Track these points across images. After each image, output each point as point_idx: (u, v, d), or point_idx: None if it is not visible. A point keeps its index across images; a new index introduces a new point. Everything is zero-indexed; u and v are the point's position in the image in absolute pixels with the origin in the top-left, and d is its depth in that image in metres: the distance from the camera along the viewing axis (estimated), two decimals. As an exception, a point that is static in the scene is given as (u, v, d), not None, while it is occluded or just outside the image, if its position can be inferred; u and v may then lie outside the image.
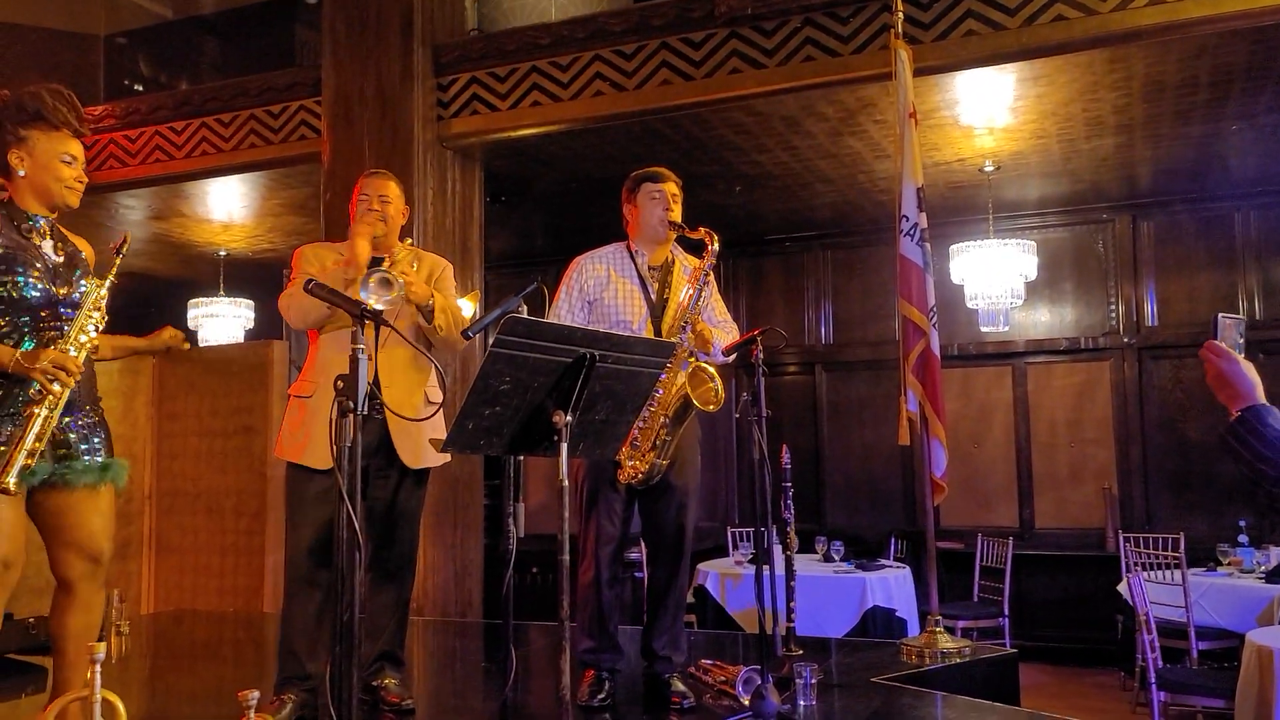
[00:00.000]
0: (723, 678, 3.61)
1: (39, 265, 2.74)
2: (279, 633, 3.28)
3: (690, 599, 6.72)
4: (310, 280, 2.51)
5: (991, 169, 6.45)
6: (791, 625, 3.95)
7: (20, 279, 2.69)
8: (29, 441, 2.54)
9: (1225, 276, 7.32)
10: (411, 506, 3.44)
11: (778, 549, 6.55)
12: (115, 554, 7.85)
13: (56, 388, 2.59)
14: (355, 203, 3.45)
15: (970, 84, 5.14)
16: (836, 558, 6.57)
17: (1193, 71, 4.96)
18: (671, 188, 3.55)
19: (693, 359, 3.35)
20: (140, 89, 7.71)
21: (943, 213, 7.57)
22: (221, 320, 8.68)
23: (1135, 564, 5.79)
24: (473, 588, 5.88)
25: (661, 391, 3.33)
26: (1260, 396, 1.82)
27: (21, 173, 2.78)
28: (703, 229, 3.39)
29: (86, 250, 2.98)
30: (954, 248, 6.76)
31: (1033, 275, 6.73)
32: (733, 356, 3.44)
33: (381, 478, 3.35)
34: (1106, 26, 4.55)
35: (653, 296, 3.49)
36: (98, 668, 1.91)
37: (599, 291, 3.47)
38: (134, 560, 7.59)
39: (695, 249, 3.53)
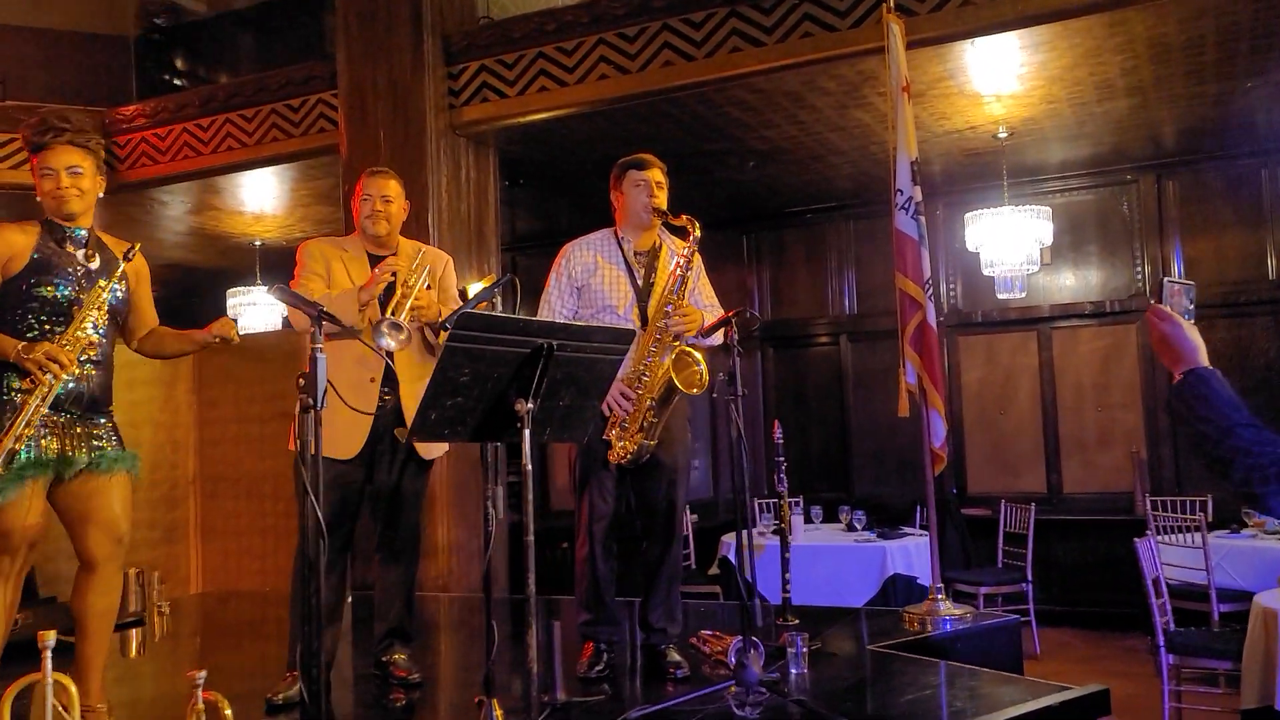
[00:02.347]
0: (719, 648, 3.72)
1: (71, 270, 3.01)
2: (290, 612, 3.46)
3: (715, 570, 6.86)
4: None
5: (1005, 135, 6.42)
6: (787, 595, 4.04)
7: (56, 281, 2.98)
8: (19, 428, 2.77)
9: (1253, 234, 7.20)
10: (415, 490, 3.59)
11: (798, 518, 6.69)
12: (163, 538, 8.17)
13: (49, 378, 2.81)
14: (358, 201, 3.58)
15: (972, 53, 5.13)
16: (859, 527, 6.64)
17: (1197, 32, 4.91)
18: (656, 175, 3.63)
19: (677, 343, 3.44)
20: (183, 84, 7.93)
21: (961, 180, 7.55)
22: (259, 309, 8.93)
23: (1163, 527, 5.80)
24: (499, 566, 6.05)
25: (648, 375, 3.44)
26: (1202, 360, 1.86)
27: (37, 197, 3.08)
28: (685, 216, 3.47)
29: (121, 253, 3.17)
30: (969, 215, 6.75)
31: (1049, 241, 6.70)
32: (714, 339, 3.53)
33: (386, 462, 3.51)
34: (1102, -9, 4.52)
35: (639, 281, 3.58)
36: (48, 654, 2.07)
37: (587, 277, 3.58)
38: (181, 544, 7.90)
39: (685, 234, 3.60)
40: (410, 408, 3.35)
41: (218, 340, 3.21)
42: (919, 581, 6.10)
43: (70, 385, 2.92)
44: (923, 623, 4.15)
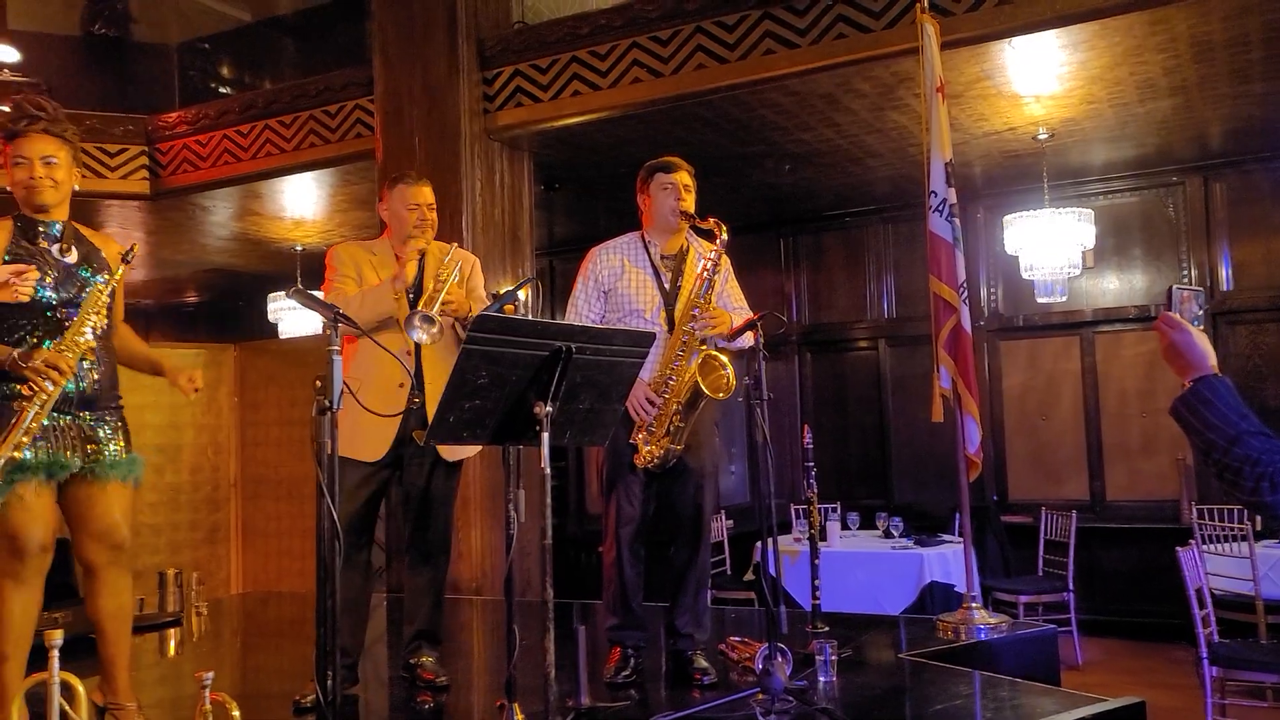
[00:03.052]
0: (747, 654, 3.69)
1: (47, 270, 2.92)
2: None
3: (750, 576, 6.82)
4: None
5: (1045, 136, 6.31)
6: (817, 602, 4.00)
7: (34, 282, 2.87)
8: (17, 436, 2.71)
9: (1304, 237, 7.02)
10: (445, 492, 3.60)
11: (834, 525, 6.63)
12: (205, 539, 8.27)
13: (49, 386, 2.75)
14: (398, 209, 3.58)
15: (1010, 54, 5.05)
16: (896, 534, 6.56)
17: (1241, 29, 4.79)
18: (683, 178, 3.61)
19: (704, 347, 3.42)
20: (227, 91, 8.06)
21: (1001, 183, 7.45)
22: (299, 313, 9.03)
23: (1209, 536, 5.66)
24: (532, 568, 6.04)
25: (674, 379, 3.42)
26: (1211, 367, 1.83)
27: (7, 187, 2.97)
28: (711, 219, 3.45)
29: (108, 248, 3.12)
30: (1008, 218, 6.65)
31: (1091, 244, 6.58)
32: (741, 342, 3.49)
33: (416, 465, 3.53)
34: (1143, -12, 4.43)
35: (666, 285, 3.57)
36: (55, 653, 2.09)
37: (613, 281, 3.57)
38: (222, 545, 8.00)
39: (712, 238, 3.58)
40: (433, 411, 3.36)
41: (180, 383, 3.14)
42: (957, 590, 6.01)
43: (68, 386, 2.86)
44: (957, 631, 4.09)
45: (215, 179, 6.97)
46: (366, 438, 3.39)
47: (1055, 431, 7.65)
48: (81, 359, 2.90)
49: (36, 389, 2.75)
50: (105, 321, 2.99)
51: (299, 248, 8.87)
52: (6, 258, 2.87)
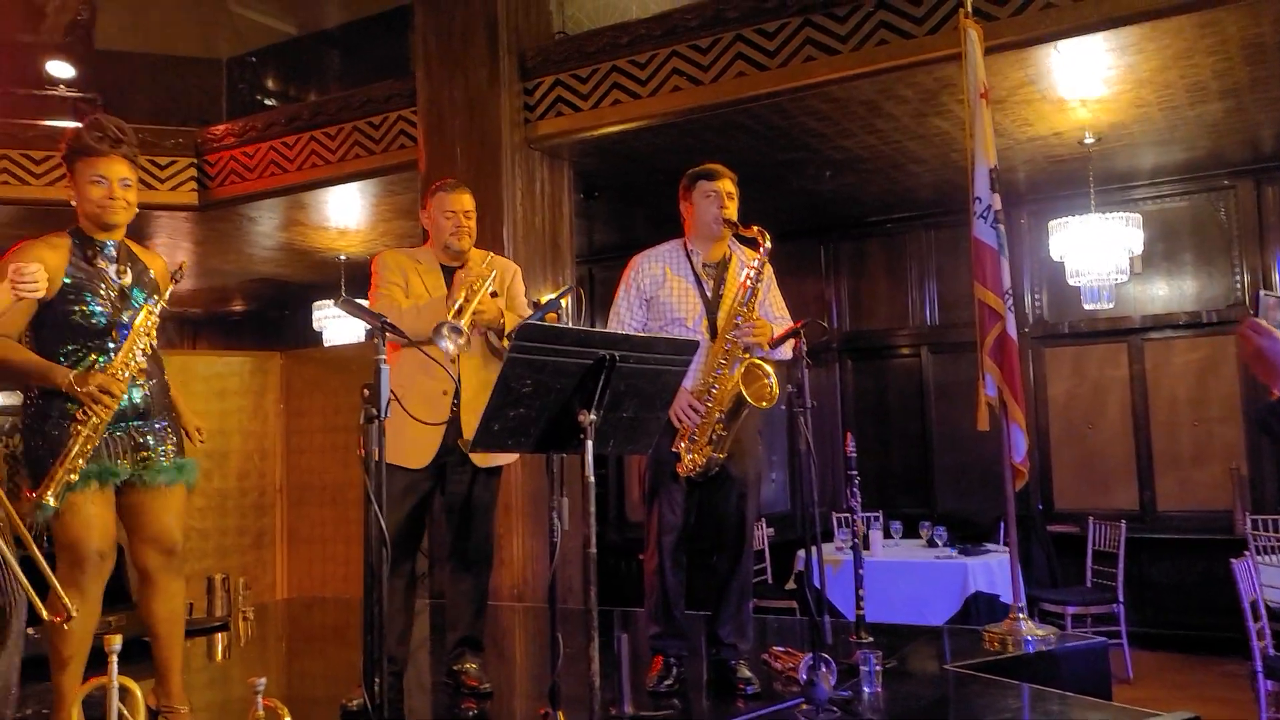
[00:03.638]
0: (791, 664, 3.67)
1: (104, 290, 3.00)
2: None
3: (792, 585, 6.77)
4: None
5: (1091, 141, 6.23)
6: (861, 612, 3.96)
7: (89, 305, 2.96)
8: (70, 459, 2.79)
9: (1361, 241, 6.87)
10: (486, 500, 3.62)
11: (877, 533, 6.57)
12: (251, 544, 8.39)
13: (101, 409, 2.83)
14: (437, 218, 3.62)
15: (1056, 57, 4.99)
16: (940, 543, 6.49)
17: (1294, 30, 4.71)
18: (726, 185, 3.60)
19: (746, 355, 3.41)
20: (273, 104, 8.19)
21: (1047, 188, 7.36)
22: (343, 321, 9.13)
23: (1264, 547, 5.54)
24: (574, 575, 6.05)
25: (717, 388, 3.41)
26: None
27: (73, 203, 3.05)
28: (755, 227, 3.44)
29: (156, 266, 3.19)
30: (1053, 223, 6.56)
31: (1139, 249, 6.47)
32: (783, 351, 3.48)
33: (457, 474, 3.55)
34: (1192, -10, 4.37)
35: (708, 294, 3.56)
36: (114, 658, 2.12)
37: (655, 290, 3.57)
38: (269, 550, 8.11)
39: (755, 245, 3.57)
40: (467, 420, 3.38)
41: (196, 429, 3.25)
42: (1002, 600, 5.93)
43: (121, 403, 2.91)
44: (1004, 642, 4.04)
45: (262, 190, 7.08)
46: (411, 445, 3.42)
47: (1102, 440, 7.52)
48: (132, 377, 2.96)
49: (90, 414, 2.82)
50: (154, 342, 3.05)
51: (343, 257, 8.97)
52: (67, 279, 2.94)
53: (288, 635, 5.90)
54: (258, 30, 8.53)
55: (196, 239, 8.25)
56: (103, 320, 2.97)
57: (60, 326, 2.94)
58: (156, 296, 3.07)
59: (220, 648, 5.21)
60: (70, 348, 2.94)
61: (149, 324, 2.99)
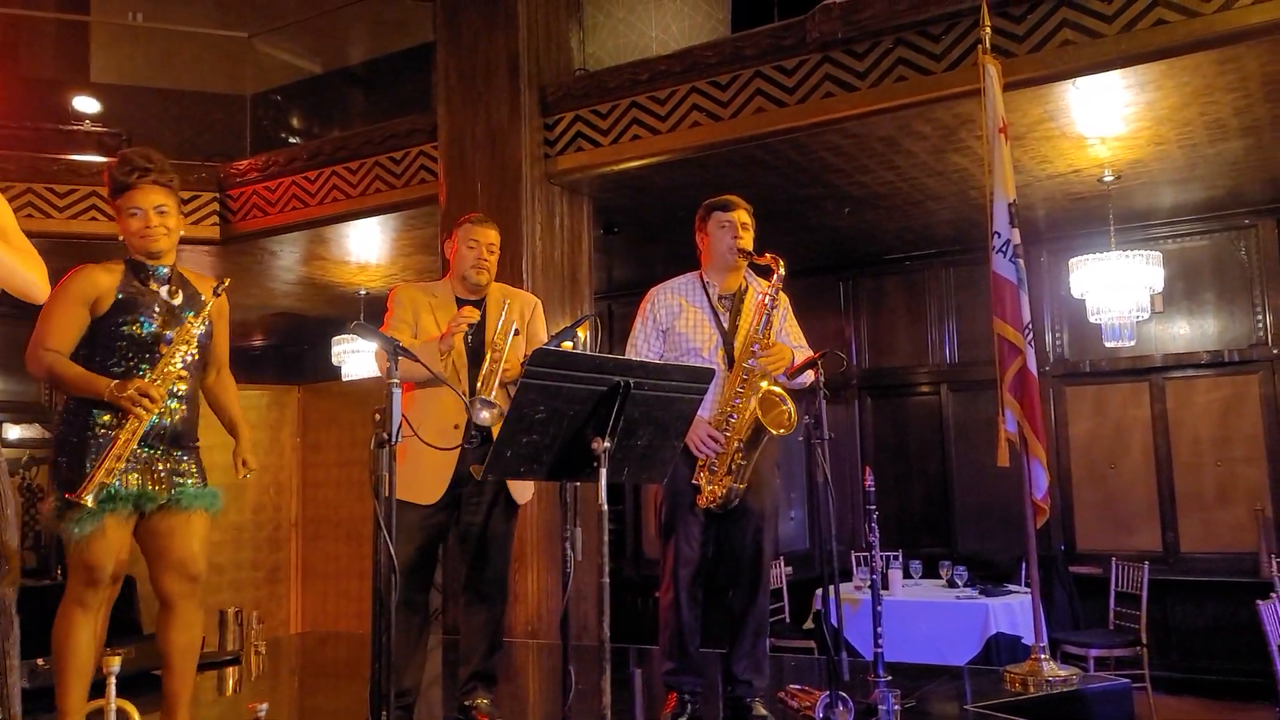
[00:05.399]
0: (808, 703, 3.61)
1: (156, 308, 3.09)
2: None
3: (809, 624, 6.68)
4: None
5: (1111, 179, 6.21)
6: (879, 651, 3.89)
7: (142, 319, 3.06)
8: (109, 461, 2.84)
9: (1384, 281, 6.80)
10: (502, 531, 3.59)
11: (896, 573, 6.49)
12: (265, 578, 8.36)
13: (141, 413, 2.89)
14: (460, 248, 3.63)
15: (1074, 94, 4.99)
16: (960, 583, 6.41)
17: (1315, 67, 4.69)
18: (742, 216, 3.61)
19: (764, 384, 3.39)
20: (297, 141, 8.29)
21: (1066, 225, 7.33)
22: (362, 355, 9.15)
23: (1289, 591, 5.43)
24: (588, 611, 5.99)
25: (736, 417, 3.39)
26: None
27: (120, 236, 3.17)
28: (769, 254, 3.44)
29: (204, 288, 3.25)
30: (1073, 261, 6.53)
31: (1159, 287, 6.43)
32: (802, 380, 3.45)
33: (473, 505, 3.53)
34: (1211, 28, 4.35)
35: (724, 324, 3.56)
36: (113, 679, 2.10)
37: (671, 320, 3.56)
38: (282, 584, 8.09)
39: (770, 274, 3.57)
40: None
41: (237, 461, 3.32)
42: (1024, 641, 5.84)
43: (155, 420, 2.97)
44: (1025, 683, 3.96)
45: (283, 224, 7.13)
46: (424, 480, 3.41)
47: (1124, 480, 7.43)
48: (171, 398, 3.02)
49: (130, 416, 2.88)
50: (195, 352, 3.11)
51: (363, 291, 9.02)
52: (119, 295, 3.04)
53: (300, 669, 5.86)
54: (283, 68, 8.66)
55: (218, 273, 8.30)
56: (153, 335, 3.05)
57: (111, 342, 3.03)
58: (195, 311, 3.13)
59: (231, 681, 5.18)
60: (120, 365, 3.02)
61: (190, 333, 3.07)
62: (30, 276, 2.39)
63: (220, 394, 3.38)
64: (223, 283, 3.18)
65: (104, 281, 3.04)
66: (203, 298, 3.19)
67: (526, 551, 5.66)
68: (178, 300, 3.14)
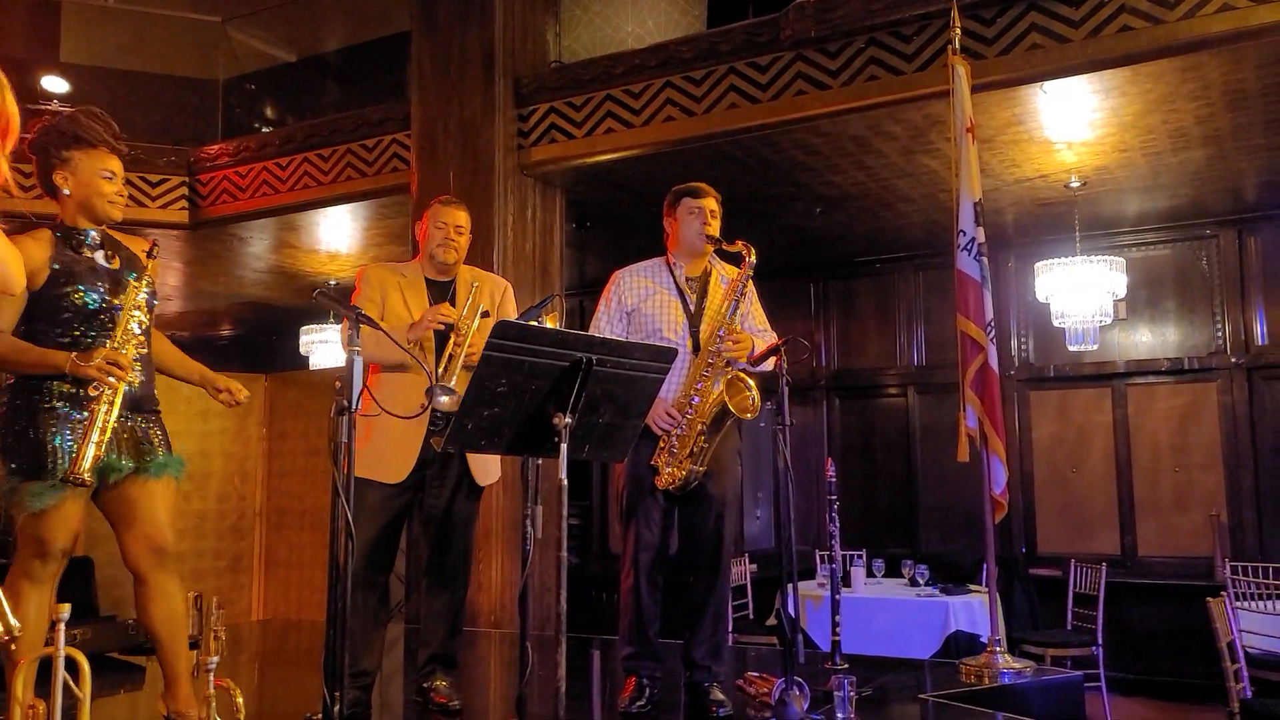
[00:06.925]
0: (765, 689, 3.63)
1: (95, 276, 2.96)
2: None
3: (773, 621, 6.71)
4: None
5: (1077, 184, 6.30)
6: (837, 639, 3.93)
7: (82, 288, 2.91)
8: (95, 434, 2.73)
9: (1342, 292, 6.94)
10: (466, 513, 3.59)
11: (859, 570, 6.54)
12: (228, 567, 8.27)
13: (113, 381, 2.77)
14: (429, 228, 3.64)
15: (1042, 98, 5.07)
16: (921, 581, 6.47)
17: (1275, 78, 4.78)
18: (710, 203, 3.64)
19: (729, 369, 3.42)
20: (269, 130, 8.23)
21: (1033, 231, 7.43)
22: (331, 346, 9.11)
23: (1244, 594, 5.51)
24: (551, 603, 6.00)
25: (699, 400, 3.42)
26: None
27: (67, 191, 2.97)
28: (740, 241, 3.47)
29: (137, 248, 3.16)
30: (1039, 265, 6.62)
31: (1122, 293, 6.53)
32: (765, 367, 3.48)
33: (436, 487, 3.53)
34: (1175, 36, 4.44)
35: (691, 307, 3.58)
36: (62, 626, 2.09)
37: (638, 302, 3.59)
38: (245, 573, 8.03)
39: (736, 261, 3.60)
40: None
41: (222, 394, 3.17)
42: (983, 639, 5.89)
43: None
44: (980, 675, 4.01)
45: (253, 209, 7.09)
46: (389, 459, 3.41)
47: (1086, 484, 7.54)
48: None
49: (103, 387, 2.77)
50: (146, 318, 3.00)
51: (333, 282, 8.97)
52: (55, 265, 2.90)
53: (259, 655, 5.82)
54: (256, 55, 8.60)
55: (186, 258, 8.24)
56: (99, 303, 2.93)
57: (54, 315, 2.89)
58: (137, 279, 3.01)
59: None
60: (66, 336, 2.90)
61: (136, 297, 2.94)
62: (7, 268, 2.31)
63: (165, 351, 3.25)
64: (155, 243, 3.07)
65: (36, 253, 2.87)
66: (139, 258, 3.09)
67: (490, 541, 5.66)
68: (115, 264, 3.02)
